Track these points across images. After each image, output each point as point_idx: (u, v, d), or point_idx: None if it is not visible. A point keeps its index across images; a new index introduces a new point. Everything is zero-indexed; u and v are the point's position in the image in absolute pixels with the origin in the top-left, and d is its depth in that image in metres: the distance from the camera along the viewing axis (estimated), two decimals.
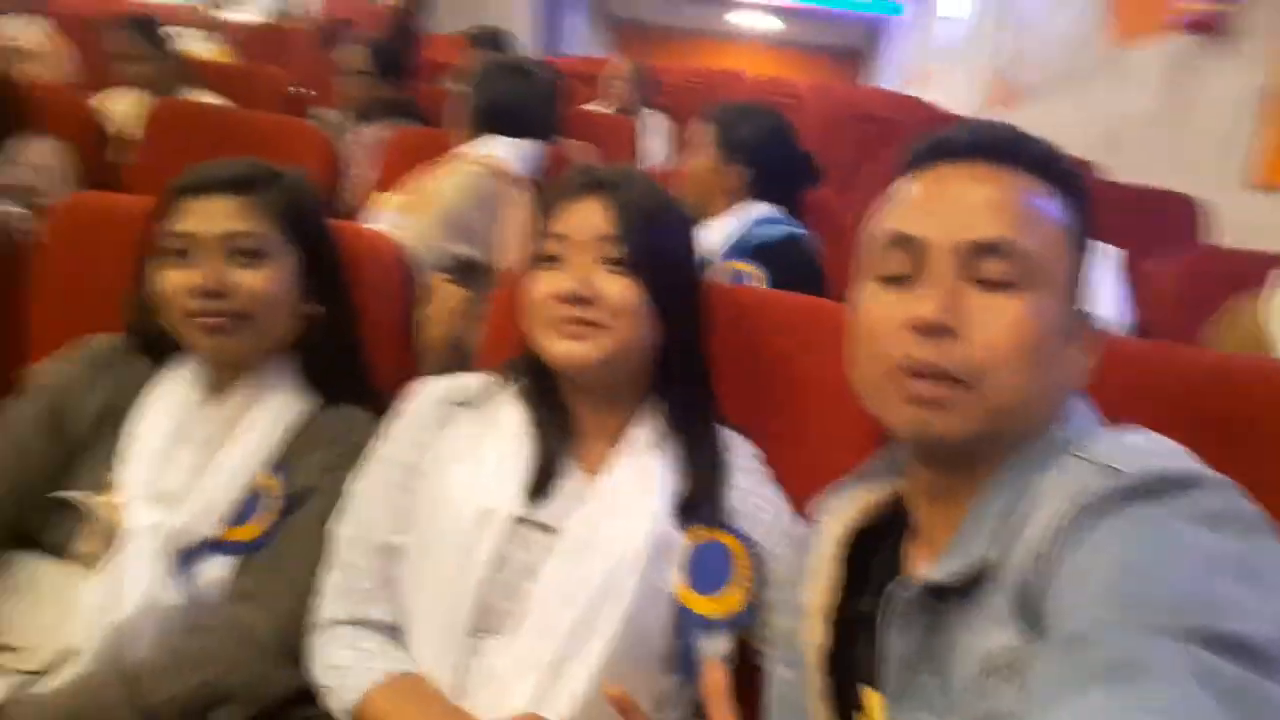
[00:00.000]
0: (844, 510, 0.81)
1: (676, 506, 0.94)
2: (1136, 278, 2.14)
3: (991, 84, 6.19)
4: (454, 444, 0.97)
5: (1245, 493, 0.58)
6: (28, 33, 4.54)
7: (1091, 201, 0.74)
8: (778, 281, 1.71)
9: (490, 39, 3.78)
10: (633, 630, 0.88)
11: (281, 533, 1.01)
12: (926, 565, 0.70)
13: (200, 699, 0.90)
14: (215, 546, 1.00)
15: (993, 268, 0.68)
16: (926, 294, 0.69)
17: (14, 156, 2.03)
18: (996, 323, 0.67)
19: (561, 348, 0.93)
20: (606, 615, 0.87)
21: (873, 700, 0.72)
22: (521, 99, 1.96)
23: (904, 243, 0.71)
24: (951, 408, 0.68)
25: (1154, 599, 0.51)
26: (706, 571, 0.92)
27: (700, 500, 0.95)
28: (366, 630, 0.93)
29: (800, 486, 1.01)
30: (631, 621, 0.88)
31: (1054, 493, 0.63)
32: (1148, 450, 0.63)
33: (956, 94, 6.69)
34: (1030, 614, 0.59)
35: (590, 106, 3.89)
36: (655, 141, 3.67)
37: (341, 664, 0.90)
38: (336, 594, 0.95)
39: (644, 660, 0.90)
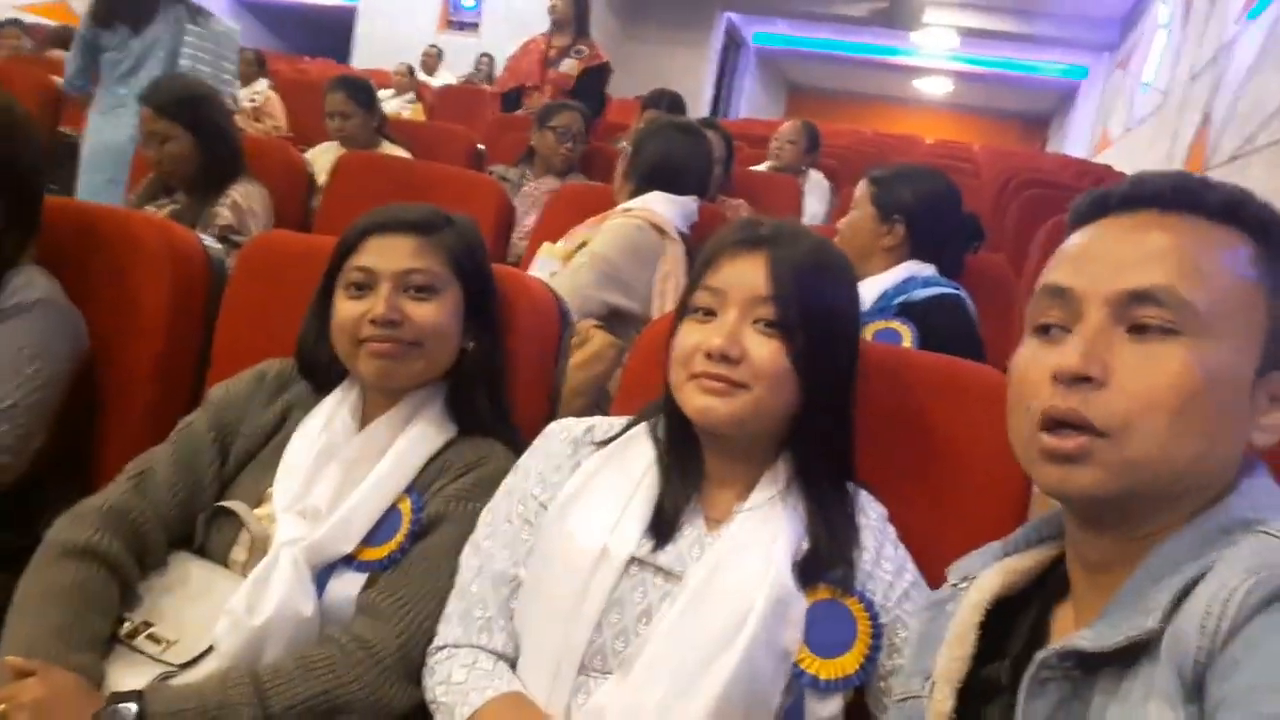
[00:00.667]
0: (988, 578, 0.77)
1: (801, 564, 0.92)
2: None
3: (1191, 149, 5.76)
4: (581, 482, 0.98)
5: None
6: (254, 93, 5.09)
7: None
8: (926, 340, 1.67)
9: (664, 101, 3.90)
10: (743, 683, 0.85)
11: (410, 555, 1.05)
12: (1076, 631, 0.65)
13: (320, 707, 0.94)
14: (349, 563, 1.05)
15: (1148, 314, 0.64)
16: (1073, 342, 0.66)
17: (226, 197, 2.27)
18: (1147, 371, 0.63)
19: (700, 402, 0.92)
20: (719, 665, 0.85)
21: None
22: (681, 156, 2.01)
23: (1058, 294, 0.68)
24: (1088, 460, 0.64)
25: None
26: (825, 632, 0.89)
27: (825, 560, 0.93)
28: (484, 653, 0.95)
29: (932, 553, 0.97)
30: (743, 675, 0.85)
31: (1231, 562, 0.57)
32: None
33: (1150, 160, 6.29)
34: (1191, 691, 0.55)
35: (758, 168, 3.93)
36: (814, 201, 3.66)
37: (457, 680, 0.92)
38: (457, 619, 0.97)
39: (753, 714, 0.87)
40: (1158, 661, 0.58)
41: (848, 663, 0.89)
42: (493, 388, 1.19)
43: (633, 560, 0.92)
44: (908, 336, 1.69)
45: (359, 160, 2.73)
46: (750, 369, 0.91)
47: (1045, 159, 7.91)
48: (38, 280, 1.30)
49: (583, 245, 1.85)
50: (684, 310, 0.98)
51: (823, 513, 0.96)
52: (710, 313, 0.94)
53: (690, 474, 0.97)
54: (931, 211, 1.84)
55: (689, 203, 1.96)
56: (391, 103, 6.11)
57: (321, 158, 3.29)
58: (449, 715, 0.91)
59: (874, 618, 0.91)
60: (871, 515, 0.99)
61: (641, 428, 1.02)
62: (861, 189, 1.89)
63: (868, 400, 1.06)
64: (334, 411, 1.14)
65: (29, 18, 8.56)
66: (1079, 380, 0.64)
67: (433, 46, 8.97)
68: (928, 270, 1.81)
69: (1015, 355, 0.72)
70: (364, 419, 1.15)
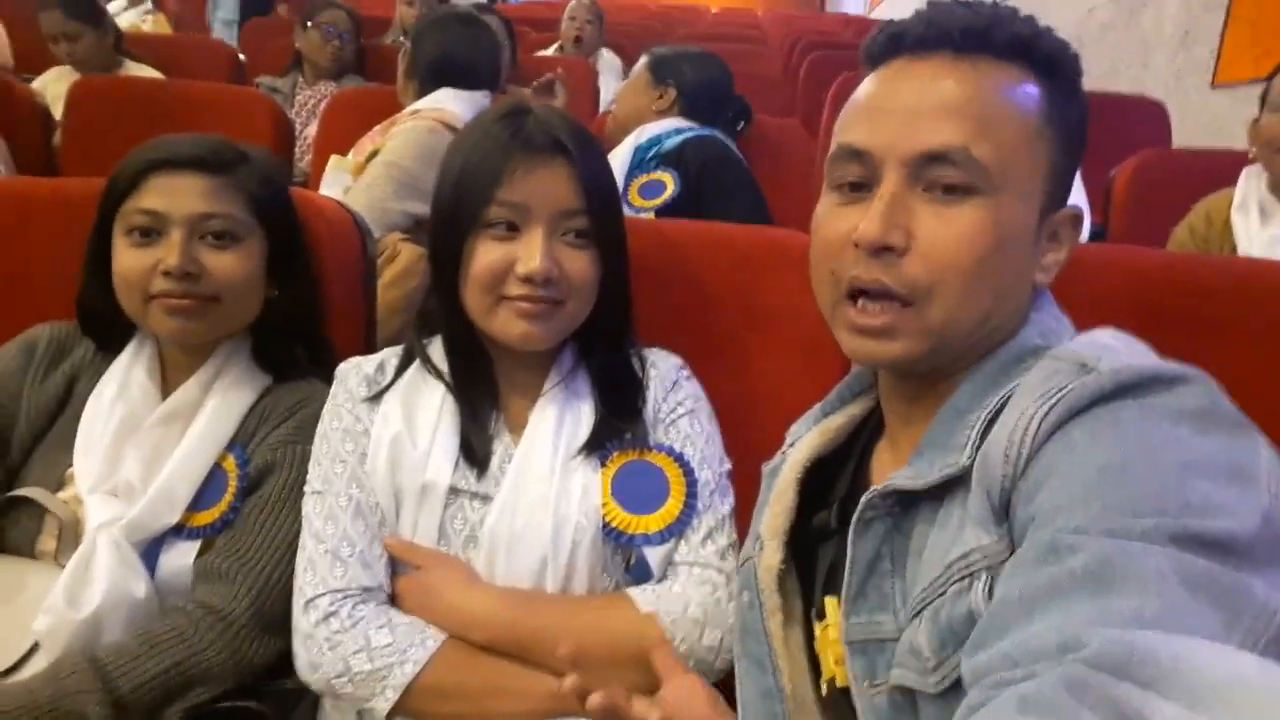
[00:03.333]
0: (808, 438, 0.81)
1: (591, 439, 0.95)
2: (1102, 184, 2.12)
3: None
4: (384, 425, 0.94)
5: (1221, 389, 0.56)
6: None
7: (1079, 79, 0.69)
8: (687, 179, 1.78)
9: None
10: (559, 571, 0.90)
11: (244, 511, 0.99)
12: (894, 470, 0.69)
13: (173, 681, 0.89)
14: (178, 532, 0.98)
15: (944, 175, 0.64)
16: (873, 210, 0.66)
17: None
18: (945, 234, 0.64)
19: (520, 328, 0.90)
20: (534, 564, 0.90)
21: (832, 606, 0.72)
22: (465, 49, 1.91)
23: (854, 155, 0.68)
24: (896, 333, 0.67)
25: (1131, 501, 0.49)
26: (637, 491, 0.93)
27: (615, 427, 0.96)
28: (377, 604, 0.89)
29: (764, 420, 1.01)
30: (556, 564, 0.90)
31: (1027, 391, 0.60)
32: (1121, 349, 0.61)
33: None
34: (1000, 513, 0.58)
35: (548, 52, 3.80)
36: (610, 81, 3.60)
37: (382, 643, 0.86)
38: (327, 565, 0.90)
39: (578, 588, 0.92)
40: (970, 490, 0.61)
41: (669, 511, 0.93)
42: (306, 329, 1.12)
43: (451, 489, 0.92)
44: (670, 182, 1.80)
45: (97, 85, 2.41)
46: (568, 285, 0.90)
47: (827, 20, 8.10)
48: None
49: (374, 155, 1.74)
50: (471, 223, 0.90)
51: (607, 384, 0.98)
52: (511, 227, 0.90)
53: (486, 397, 0.96)
54: (703, 81, 2.00)
55: (480, 98, 1.87)
56: (127, 15, 5.40)
57: (54, 86, 2.89)
58: (378, 683, 0.85)
59: (678, 459, 0.95)
60: (661, 366, 1.02)
61: (428, 355, 0.99)
62: (640, 63, 2.06)
63: (685, 277, 1.08)
64: (128, 375, 1.04)
65: None
66: (881, 249, 0.65)
67: None
68: (684, 122, 1.93)
69: (816, 210, 0.72)
70: (164, 379, 1.06)
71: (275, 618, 0.94)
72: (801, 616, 0.79)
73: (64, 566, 0.93)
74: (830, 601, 0.73)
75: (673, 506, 0.93)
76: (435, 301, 0.96)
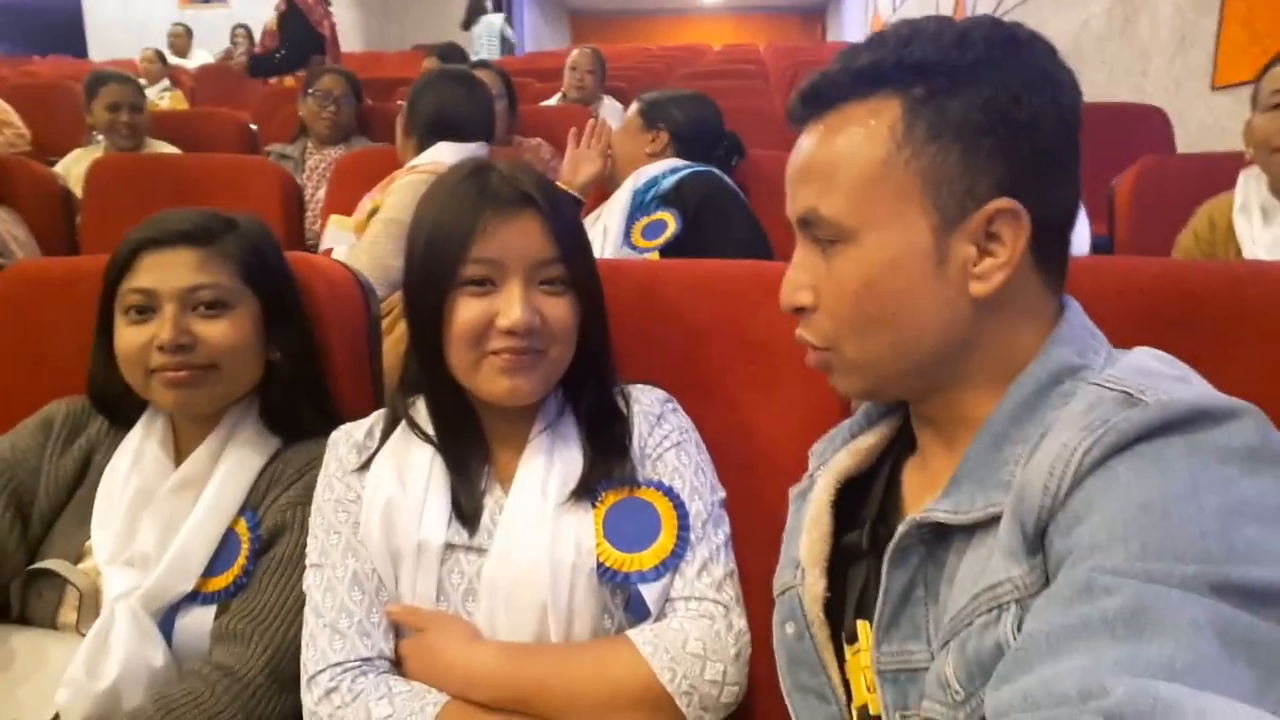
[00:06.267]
0: (838, 459, 0.81)
1: (581, 483, 0.95)
2: (1104, 194, 2.12)
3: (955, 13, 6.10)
4: (375, 489, 0.95)
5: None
6: None
7: (970, 63, 0.63)
8: (687, 214, 1.81)
9: (436, 51, 3.77)
10: (558, 617, 0.90)
11: (256, 573, 1.01)
12: (930, 496, 0.68)
13: None
14: (194, 598, 1.00)
15: (819, 233, 0.69)
16: (789, 278, 0.72)
17: None
18: (830, 285, 0.68)
19: (506, 384, 0.90)
20: (533, 612, 0.90)
21: (864, 631, 0.72)
22: (458, 104, 1.96)
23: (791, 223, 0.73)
24: (836, 372, 0.72)
25: (1173, 545, 0.48)
26: (629, 529, 0.93)
27: (602, 468, 0.96)
28: (387, 676, 0.90)
29: (774, 450, 1.03)
30: (554, 610, 0.90)
31: (1065, 422, 0.58)
32: (1168, 376, 0.59)
33: None
34: (1034, 543, 0.56)
35: (551, 101, 3.87)
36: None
37: (384, 714, 0.85)
38: (326, 638, 0.90)
39: (586, 627, 0.92)
40: (1006, 519, 0.59)
41: (662, 546, 0.93)
42: (311, 390, 1.14)
43: (446, 546, 0.93)
44: (671, 220, 1.82)
45: (115, 163, 2.49)
46: (549, 333, 0.91)
47: (826, 49, 8.18)
48: None
49: (374, 212, 1.77)
50: (448, 282, 0.90)
51: (593, 426, 0.98)
52: (488, 283, 0.90)
53: (473, 452, 0.97)
54: (693, 120, 2.05)
55: (477, 149, 1.91)
56: (148, 92, 5.59)
57: (75, 168, 3.00)
58: None
59: (668, 493, 0.95)
60: (644, 401, 1.02)
61: (412, 415, 0.99)
62: (631, 109, 2.12)
63: (675, 316, 1.10)
64: (141, 447, 1.07)
65: None
66: (795, 310, 0.71)
67: (178, 25, 8.23)
68: (679, 163, 1.96)
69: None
70: (177, 449, 1.08)
71: (291, 676, 0.94)
72: (831, 637, 0.78)
73: (85, 636, 0.95)
74: (862, 626, 0.72)
75: (665, 541, 0.93)
76: (416, 362, 0.97)
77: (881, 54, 0.65)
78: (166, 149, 3.13)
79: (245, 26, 7.89)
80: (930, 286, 0.65)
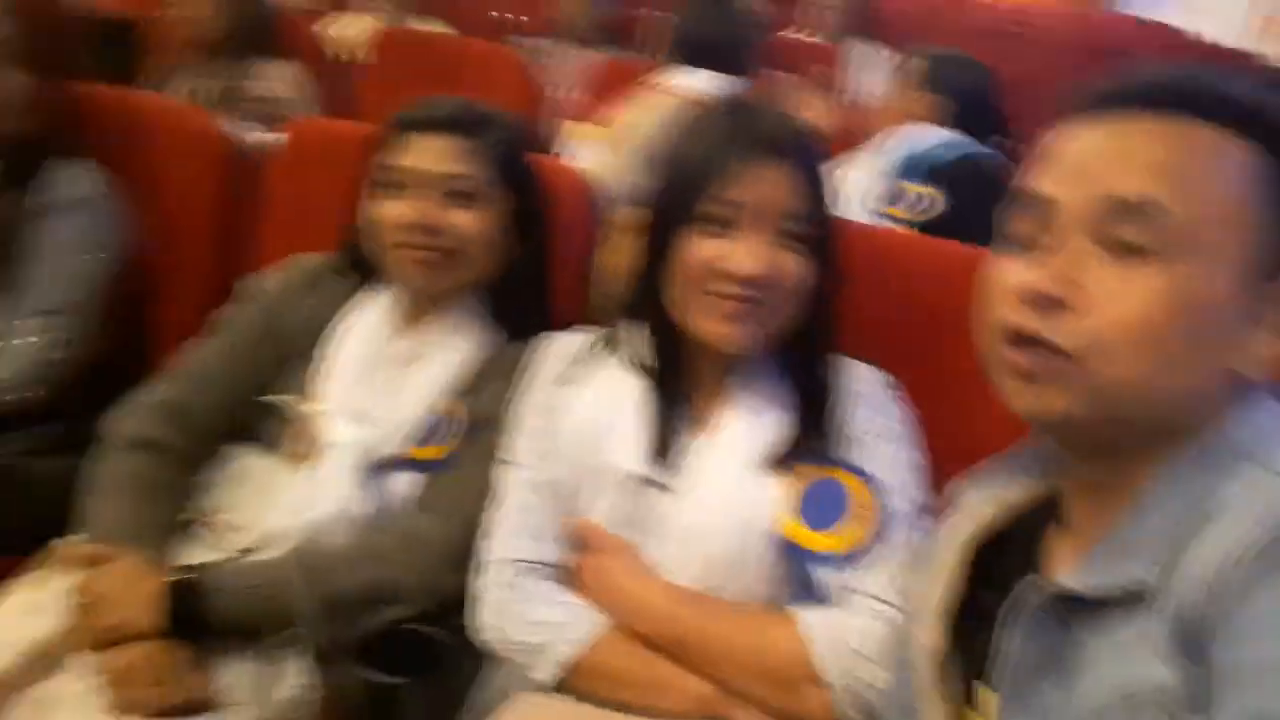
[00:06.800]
0: (979, 510, 0.75)
1: (783, 448, 0.93)
2: None
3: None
4: (578, 403, 0.97)
5: None
6: None
7: None
8: (956, 204, 1.69)
9: None
10: (726, 573, 0.90)
11: (462, 455, 1.07)
12: (1070, 566, 0.64)
13: (371, 594, 0.99)
14: (402, 463, 1.07)
15: (1127, 232, 0.59)
16: (1044, 260, 0.61)
17: (258, 77, 2.21)
18: (1121, 296, 0.58)
19: (720, 329, 0.89)
20: (702, 561, 0.90)
21: (989, 701, 0.68)
22: (724, 31, 1.92)
23: (1035, 202, 0.64)
24: (1052, 382, 0.61)
25: None
26: (820, 508, 0.91)
27: (809, 438, 0.93)
28: (543, 579, 0.94)
29: (943, 445, 0.98)
30: (724, 565, 0.90)
31: (1237, 512, 0.54)
32: None
33: (1228, 21, 5.83)
34: (1193, 652, 0.52)
35: (790, 33, 3.67)
36: (873, 77, 3.43)
37: (544, 619, 0.90)
38: (508, 530, 0.96)
39: (751, 590, 0.91)
40: (1151, 610, 0.56)
41: (852, 535, 0.89)
42: (537, 292, 1.18)
43: (634, 476, 0.93)
44: (940, 198, 1.74)
45: (398, 37, 2.66)
46: (779, 289, 0.89)
47: (1103, 20, 7.40)
48: (83, 176, 1.30)
49: (619, 126, 1.79)
50: (681, 216, 0.89)
51: (802, 394, 0.95)
52: (724, 224, 0.88)
53: (679, 391, 0.97)
54: (972, 90, 1.94)
55: (733, 81, 1.87)
56: None
57: (350, 29, 3.19)
58: (537, 656, 0.90)
59: (869, 481, 0.92)
60: (864, 381, 0.98)
61: (627, 342, 1.00)
62: (906, 64, 2.04)
63: (921, 299, 1.06)
64: (379, 312, 1.14)
65: None
66: (1046, 301, 0.60)
67: None
68: (958, 136, 1.85)
69: (988, 260, 0.68)
70: (409, 321, 1.15)
71: (467, 554, 1.00)
72: (959, 695, 0.73)
73: (301, 473, 1.05)
74: (986, 695, 0.68)
75: (854, 530, 0.90)
76: (640, 289, 0.97)
77: (1238, 99, 0.61)
78: (438, 26, 3.26)
79: None
80: (1215, 343, 0.60)
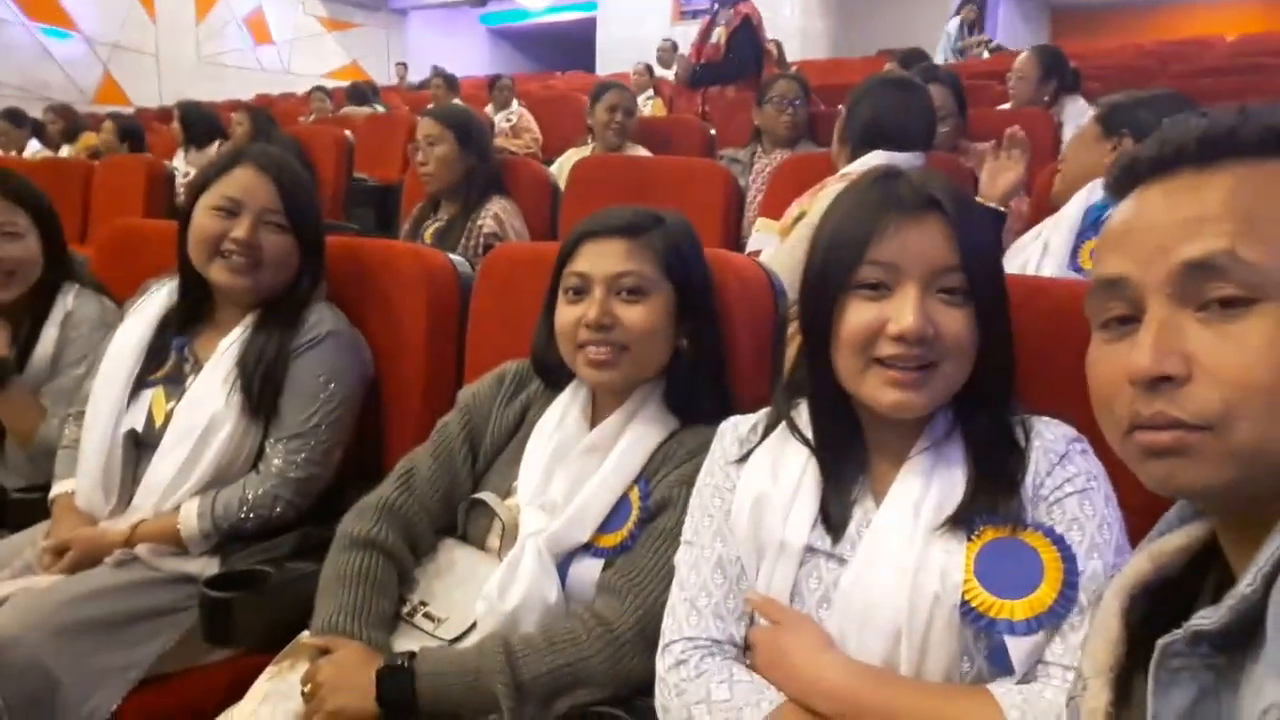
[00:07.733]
0: (1135, 562, 0.70)
1: (964, 510, 0.88)
2: None
3: None
4: (749, 480, 0.98)
5: None
6: (509, 114, 5.52)
7: None
8: None
9: (898, 56, 3.74)
10: (906, 643, 0.86)
11: (640, 539, 1.12)
12: (1199, 613, 0.58)
13: (563, 677, 1.03)
14: (587, 550, 1.14)
15: (1215, 289, 0.58)
16: (1141, 340, 0.60)
17: (485, 214, 2.51)
18: (1234, 353, 0.57)
19: (892, 397, 0.88)
20: (880, 632, 0.87)
21: None
22: (895, 112, 1.93)
23: (1112, 286, 0.63)
24: (1195, 454, 0.58)
25: None
26: (1004, 572, 0.85)
27: (991, 499, 0.88)
28: (724, 657, 0.94)
29: (1134, 500, 0.87)
30: (904, 636, 0.85)
31: None
32: None
33: None
34: None
35: (1004, 107, 3.64)
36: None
37: (720, 698, 0.90)
38: (685, 611, 0.97)
39: (937, 666, 0.86)
40: (1269, 629, 0.51)
41: (1040, 598, 0.84)
42: (712, 379, 1.22)
43: (807, 549, 0.93)
44: None
45: (592, 162, 2.88)
46: (942, 346, 0.87)
47: None
48: (328, 315, 1.52)
49: (800, 217, 1.82)
50: (837, 284, 0.90)
51: (982, 452, 0.92)
52: (882, 287, 0.89)
53: (850, 460, 0.96)
54: (1157, 126, 1.74)
55: (912, 159, 1.86)
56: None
57: (567, 164, 3.51)
58: None
59: (1057, 541, 0.86)
60: (1048, 436, 0.93)
61: (793, 416, 1.00)
62: (1090, 113, 1.97)
63: (1047, 337, 1.03)
64: (566, 410, 1.23)
65: (330, 83, 9.87)
66: (1158, 380, 0.58)
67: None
68: None
69: (1088, 353, 0.66)
70: (593, 416, 1.23)
71: (656, 638, 1.02)
72: None
73: (499, 563, 1.13)
74: None
75: (1045, 594, 0.84)
76: (804, 363, 0.98)
77: (1271, 124, 0.60)
78: (640, 152, 3.53)
79: (671, 40, 8.51)
80: None
